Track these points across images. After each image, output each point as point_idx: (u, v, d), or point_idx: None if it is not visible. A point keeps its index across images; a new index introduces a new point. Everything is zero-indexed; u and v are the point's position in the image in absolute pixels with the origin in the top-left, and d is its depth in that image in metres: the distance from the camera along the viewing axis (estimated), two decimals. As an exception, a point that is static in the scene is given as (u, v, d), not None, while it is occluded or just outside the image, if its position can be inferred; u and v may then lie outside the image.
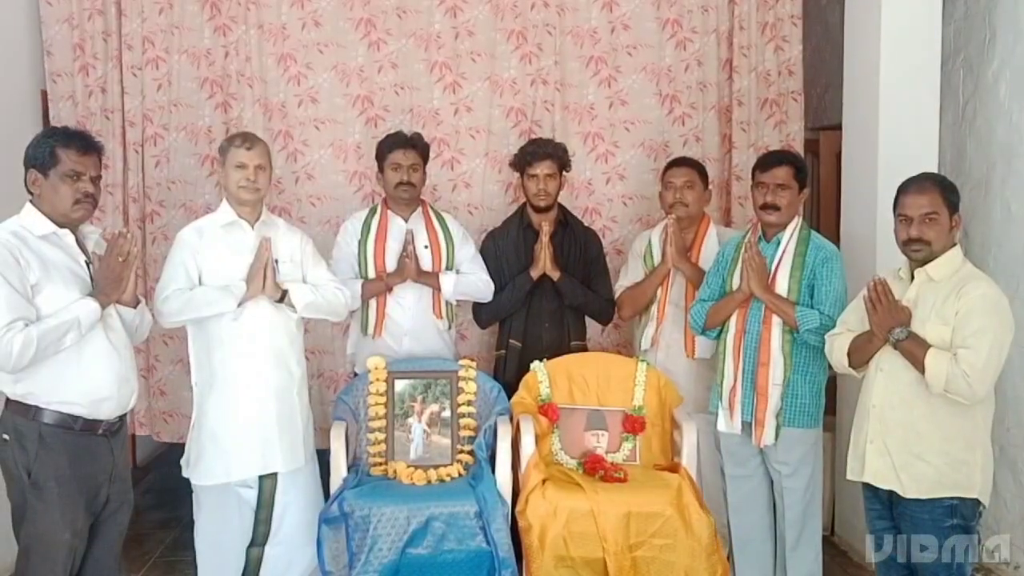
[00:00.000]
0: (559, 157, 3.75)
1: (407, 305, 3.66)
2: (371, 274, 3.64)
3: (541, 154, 3.71)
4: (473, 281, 3.70)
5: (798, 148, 4.09)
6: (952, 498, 2.61)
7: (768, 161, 3.29)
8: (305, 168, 4.07)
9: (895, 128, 3.69)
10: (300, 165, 4.06)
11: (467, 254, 3.75)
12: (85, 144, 2.67)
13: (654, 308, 3.69)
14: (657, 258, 3.67)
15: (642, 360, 3.59)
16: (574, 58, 4.13)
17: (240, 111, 4.05)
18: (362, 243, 3.67)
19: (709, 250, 3.61)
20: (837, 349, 2.88)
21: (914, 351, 2.60)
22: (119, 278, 2.67)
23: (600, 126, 4.16)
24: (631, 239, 3.98)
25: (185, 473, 3.22)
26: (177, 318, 3.10)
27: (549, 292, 3.74)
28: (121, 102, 4.04)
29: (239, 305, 3.07)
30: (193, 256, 3.12)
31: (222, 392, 3.12)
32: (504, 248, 3.78)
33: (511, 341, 3.75)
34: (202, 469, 3.15)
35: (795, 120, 4.13)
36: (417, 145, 3.69)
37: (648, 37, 4.13)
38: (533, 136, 4.03)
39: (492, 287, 3.72)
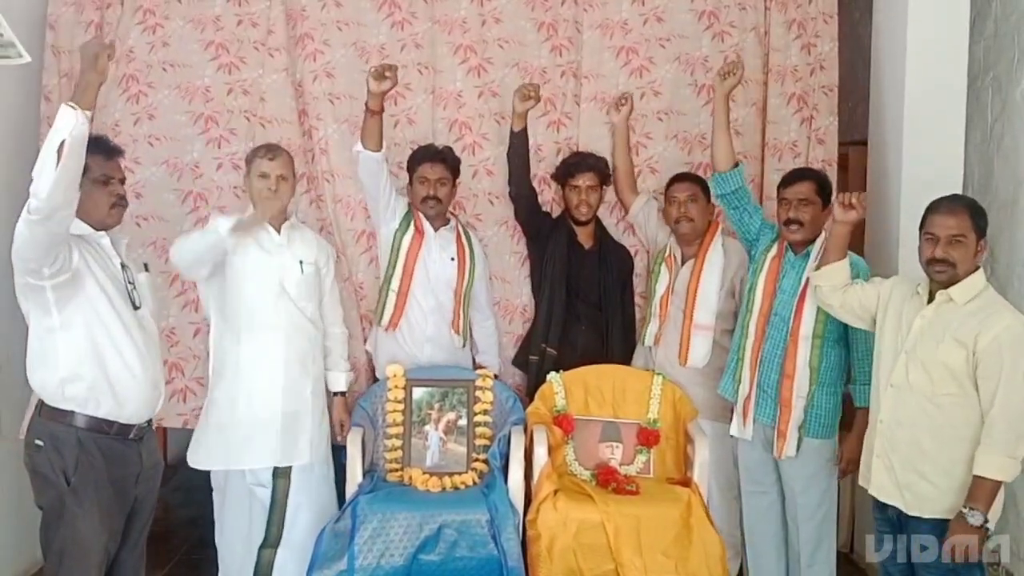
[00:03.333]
0: (601, 170, 3.79)
1: (428, 310, 3.71)
2: (397, 272, 3.68)
3: (584, 166, 3.76)
4: (493, 344, 3.91)
5: (830, 143, 4.00)
6: None
7: (790, 177, 3.30)
8: (319, 143, 3.96)
9: (919, 145, 3.66)
10: (315, 141, 3.96)
11: (480, 273, 3.80)
12: (109, 149, 2.76)
13: (656, 305, 3.71)
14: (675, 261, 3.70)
15: (657, 373, 3.61)
16: (604, 48, 4.04)
17: (257, 76, 3.96)
18: (399, 233, 3.70)
19: (714, 262, 3.62)
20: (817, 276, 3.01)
21: (990, 490, 2.53)
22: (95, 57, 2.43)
23: (631, 117, 4.01)
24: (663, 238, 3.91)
25: (189, 461, 3.29)
26: (179, 255, 3.08)
27: (586, 294, 3.80)
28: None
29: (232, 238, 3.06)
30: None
31: (231, 382, 3.21)
32: (552, 253, 3.80)
33: (547, 348, 3.77)
34: (201, 454, 3.23)
35: (826, 114, 4.01)
36: (447, 159, 3.71)
37: (683, 28, 4.04)
38: (562, 129, 4.03)
39: (496, 329, 3.93)
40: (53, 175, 2.31)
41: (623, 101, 3.87)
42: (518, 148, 3.70)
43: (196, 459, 3.26)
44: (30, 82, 3.86)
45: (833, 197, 3.36)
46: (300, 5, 3.98)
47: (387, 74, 3.35)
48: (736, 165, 3.48)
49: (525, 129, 3.69)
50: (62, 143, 2.31)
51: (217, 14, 3.97)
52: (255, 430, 3.19)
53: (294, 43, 3.99)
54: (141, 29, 3.93)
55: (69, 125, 2.32)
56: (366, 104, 3.46)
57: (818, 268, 3.03)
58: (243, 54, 3.97)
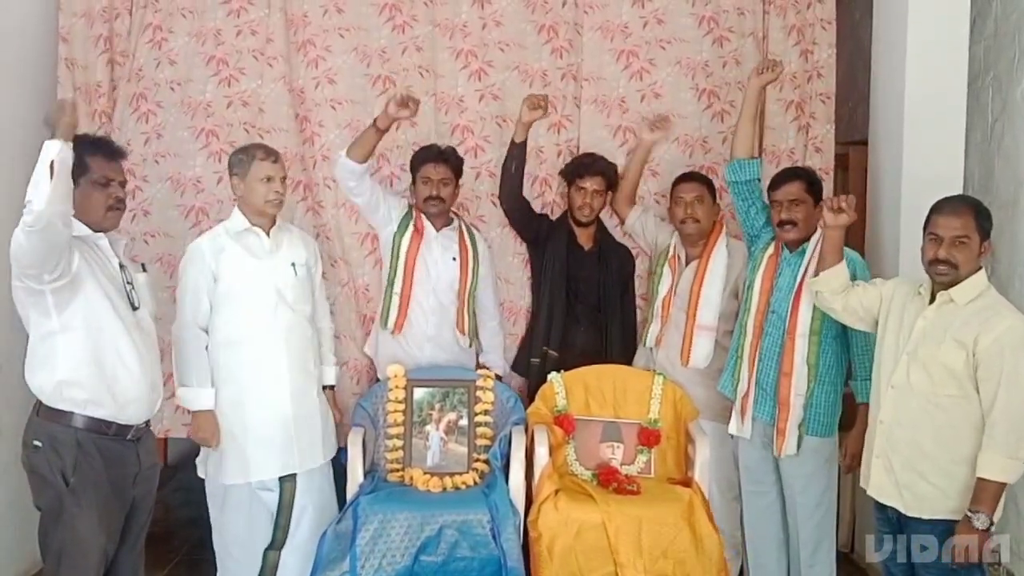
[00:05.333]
0: (609, 176, 3.80)
1: (429, 310, 3.72)
2: (399, 274, 3.69)
3: (594, 169, 3.77)
4: (498, 344, 3.91)
5: (827, 151, 4.02)
6: (955, 521, 2.59)
7: (780, 178, 3.31)
8: (321, 150, 3.98)
9: (920, 145, 3.66)
10: (316, 148, 3.99)
11: (484, 273, 3.81)
12: (111, 151, 2.75)
13: (658, 306, 3.72)
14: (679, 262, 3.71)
15: (658, 373, 3.61)
16: (604, 51, 4.05)
17: (256, 87, 4.00)
18: (397, 236, 3.71)
19: (718, 262, 3.62)
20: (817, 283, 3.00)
21: (994, 491, 2.53)
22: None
23: (632, 120, 4.04)
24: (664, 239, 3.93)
25: (201, 473, 3.30)
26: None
27: (585, 296, 3.81)
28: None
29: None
30: (208, 271, 3.17)
31: (235, 392, 3.18)
32: (552, 253, 3.81)
33: (548, 351, 3.78)
34: (224, 469, 3.21)
35: (823, 122, 4.02)
36: (449, 159, 3.71)
37: (684, 32, 4.04)
38: (563, 131, 4.04)
39: (502, 328, 3.94)
40: (48, 188, 2.34)
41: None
42: (518, 159, 3.71)
43: (213, 472, 3.24)
44: (45, 96, 3.90)
45: (825, 197, 3.37)
46: (302, 11, 3.99)
47: (410, 105, 3.40)
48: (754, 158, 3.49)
49: (526, 141, 3.70)
50: (51, 163, 2.35)
51: (218, 28, 4.00)
52: (271, 440, 3.19)
53: (295, 49, 4.00)
54: (149, 46, 3.98)
55: (55, 149, 2.37)
56: (374, 121, 3.48)
57: (816, 274, 3.02)
58: (242, 65, 4.00)
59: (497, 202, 3.99)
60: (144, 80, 3.96)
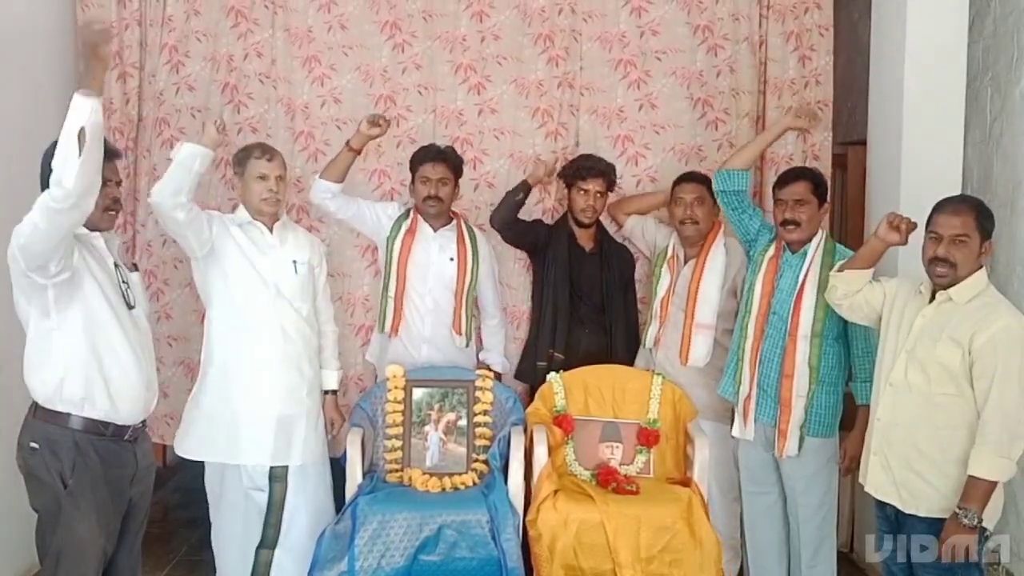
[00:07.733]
0: (609, 176, 3.81)
1: (424, 311, 3.72)
2: (393, 276, 3.70)
3: (595, 171, 3.77)
4: (498, 342, 3.93)
5: (824, 158, 4.03)
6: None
7: (786, 178, 3.31)
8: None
9: (918, 145, 3.66)
10: (320, 164, 3.97)
11: (485, 273, 3.81)
12: (107, 151, 2.65)
13: (656, 306, 3.72)
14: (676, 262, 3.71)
15: (657, 374, 3.61)
16: (602, 62, 4.09)
17: (263, 112, 4.06)
18: (390, 239, 3.72)
19: (716, 261, 3.62)
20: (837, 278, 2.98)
21: (984, 490, 2.53)
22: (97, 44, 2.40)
23: (630, 128, 4.08)
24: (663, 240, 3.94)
25: (177, 448, 3.31)
26: (159, 189, 3.06)
27: (588, 296, 3.82)
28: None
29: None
30: (218, 223, 3.21)
31: (224, 377, 3.20)
32: (554, 256, 3.82)
33: (555, 353, 3.78)
34: (187, 444, 3.24)
35: (821, 130, 4.03)
36: (448, 159, 3.72)
37: (679, 42, 4.08)
38: (559, 139, 4.05)
39: (503, 327, 3.95)
40: (77, 163, 2.30)
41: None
42: (521, 199, 3.76)
43: (185, 447, 3.27)
44: (64, 108, 3.87)
45: (828, 199, 3.38)
46: (306, 27, 4.03)
47: (380, 123, 3.46)
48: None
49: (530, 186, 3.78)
50: (80, 131, 2.30)
51: (231, 53, 4.04)
52: (248, 429, 3.19)
53: (300, 64, 4.05)
54: (168, 68, 4.02)
55: (86, 112, 2.32)
56: (348, 142, 3.54)
57: (841, 269, 3.00)
58: (250, 90, 4.06)
59: None
60: (165, 105, 4.02)
